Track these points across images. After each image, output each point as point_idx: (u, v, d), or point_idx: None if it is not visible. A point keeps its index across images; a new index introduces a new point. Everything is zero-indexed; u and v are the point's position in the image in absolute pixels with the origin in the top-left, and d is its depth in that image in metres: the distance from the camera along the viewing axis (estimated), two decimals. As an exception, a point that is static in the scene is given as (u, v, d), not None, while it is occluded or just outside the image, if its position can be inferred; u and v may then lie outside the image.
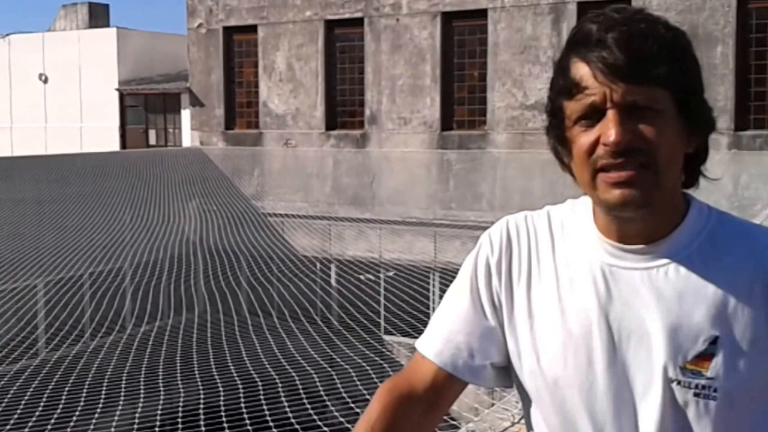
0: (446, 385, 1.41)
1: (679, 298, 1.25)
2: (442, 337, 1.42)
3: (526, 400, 1.39)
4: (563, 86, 1.26)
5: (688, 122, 1.24)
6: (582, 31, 1.25)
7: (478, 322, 1.40)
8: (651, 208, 1.23)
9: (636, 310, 1.26)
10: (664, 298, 1.25)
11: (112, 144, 24.49)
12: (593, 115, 1.22)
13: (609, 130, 1.20)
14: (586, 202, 1.36)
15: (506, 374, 1.42)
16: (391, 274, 14.80)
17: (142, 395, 10.07)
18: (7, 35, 26.95)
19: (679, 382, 1.23)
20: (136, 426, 9.66)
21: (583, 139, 1.24)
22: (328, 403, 9.67)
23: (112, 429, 9.13)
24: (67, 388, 10.04)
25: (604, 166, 1.21)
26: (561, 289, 1.33)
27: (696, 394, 1.23)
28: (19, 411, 9.42)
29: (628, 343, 1.26)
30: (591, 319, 1.28)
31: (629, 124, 1.20)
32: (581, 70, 1.23)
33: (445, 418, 1.52)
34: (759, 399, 1.24)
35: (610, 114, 1.20)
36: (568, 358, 1.29)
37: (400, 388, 1.42)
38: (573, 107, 1.24)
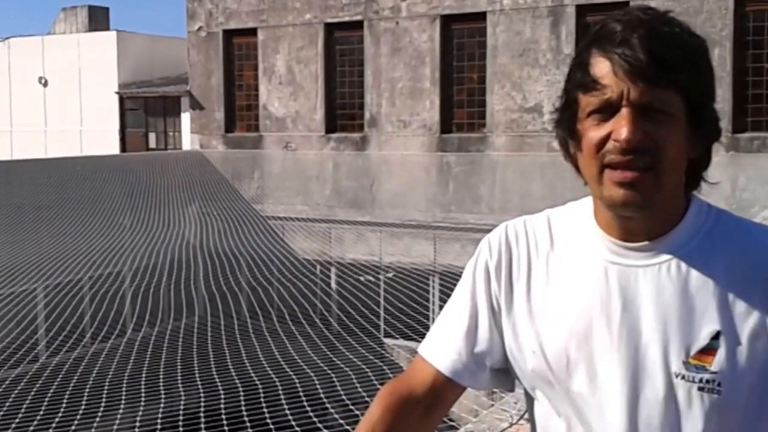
0: (446, 388, 1.44)
1: (681, 294, 1.27)
2: (442, 341, 1.45)
3: (528, 399, 1.42)
4: (581, 79, 1.27)
5: (696, 129, 1.26)
6: (607, 28, 1.26)
7: (477, 326, 1.42)
8: (651, 209, 1.26)
9: (638, 307, 1.28)
10: (665, 294, 1.27)
11: (112, 147, 24.51)
12: (607, 110, 1.24)
13: (622, 127, 1.22)
14: (586, 203, 1.38)
15: (506, 377, 1.44)
16: (390, 275, 14.81)
17: (142, 399, 10.07)
18: (7, 38, 26.96)
19: (683, 377, 1.25)
20: (137, 430, 9.65)
21: (593, 132, 1.25)
22: (328, 405, 9.67)
23: (113, 433, 9.13)
24: (67, 393, 10.02)
25: (611, 162, 1.23)
26: (562, 287, 1.35)
27: (700, 389, 1.24)
28: (20, 416, 9.42)
29: (630, 338, 1.28)
30: (593, 316, 1.30)
31: (641, 124, 1.22)
32: (601, 65, 1.24)
33: (444, 419, 1.53)
34: (762, 392, 1.25)
35: (624, 112, 1.22)
36: (570, 355, 1.31)
37: (400, 391, 1.45)
38: (588, 100, 1.26)
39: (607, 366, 1.29)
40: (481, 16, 16.63)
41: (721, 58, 14.31)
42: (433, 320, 1.54)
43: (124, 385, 10.60)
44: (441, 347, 1.44)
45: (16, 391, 10.20)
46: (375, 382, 10.02)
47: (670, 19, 1.26)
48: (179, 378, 10.71)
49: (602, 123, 1.24)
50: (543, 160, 15.28)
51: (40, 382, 10.48)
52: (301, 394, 10.05)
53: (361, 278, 14.95)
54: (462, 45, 17.07)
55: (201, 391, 10.37)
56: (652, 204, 1.25)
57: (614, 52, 1.22)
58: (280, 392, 9.95)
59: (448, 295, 1.51)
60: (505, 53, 16.39)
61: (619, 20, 1.25)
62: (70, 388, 10.20)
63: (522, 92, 16.22)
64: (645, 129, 1.22)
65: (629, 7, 1.27)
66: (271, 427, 8.61)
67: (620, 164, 1.23)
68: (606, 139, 1.24)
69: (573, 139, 1.30)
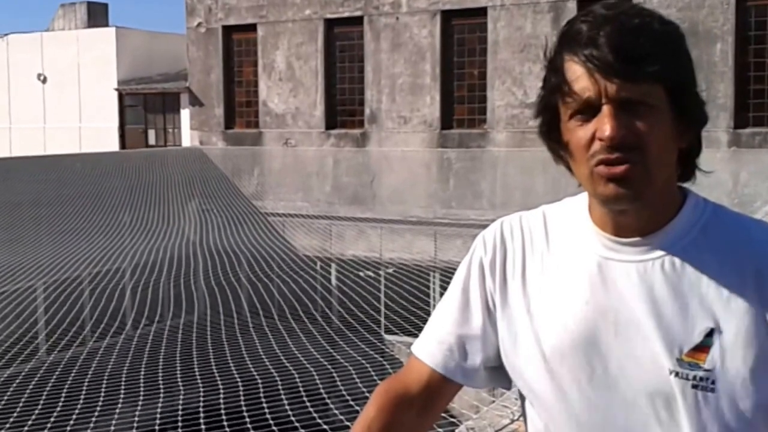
0: (440, 386, 1.44)
1: (675, 290, 1.26)
2: (435, 339, 1.44)
3: (522, 396, 1.41)
4: (556, 84, 1.26)
5: (681, 117, 1.24)
6: (573, 29, 1.25)
7: (471, 323, 1.42)
8: (643, 201, 1.24)
9: (632, 303, 1.27)
10: (658, 290, 1.26)
11: (111, 144, 24.48)
12: (588, 110, 1.23)
13: (604, 125, 1.20)
14: (581, 199, 1.37)
15: (501, 375, 1.43)
16: (390, 270, 14.81)
17: (141, 396, 10.07)
18: (6, 35, 26.93)
19: (677, 374, 1.24)
20: (135, 427, 9.65)
21: (579, 134, 1.24)
22: (328, 402, 9.68)
23: (112, 430, 9.12)
24: (66, 390, 10.04)
25: (600, 160, 1.22)
26: (557, 283, 1.34)
27: (694, 386, 1.23)
28: (17, 412, 9.43)
29: (625, 335, 1.27)
30: (587, 313, 1.29)
31: (624, 119, 1.20)
32: (574, 68, 1.23)
33: (444, 415, 1.51)
34: (756, 389, 1.24)
35: (605, 109, 1.21)
36: (565, 351, 1.30)
37: (396, 389, 1.46)
38: (568, 104, 1.25)
39: (601, 362, 1.28)
40: (482, 12, 16.62)
41: (723, 53, 14.28)
42: (434, 316, 1.51)
43: (123, 381, 10.60)
44: (435, 345, 1.44)
45: (13, 387, 10.20)
46: (375, 378, 10.01)
47: (638, 10, 1.24)
48: (179, 375, 10.70)
49: (585, 123, 1.23)
50: (544, 155, 14.91)
51: (39, 378, 10.49)
52: (302, 390, 10.06)
53: (361, 273, 14.94)
54: (462, 40, 17.05)
55: (201, 387, 10.37)
56: (643, 196, 1.23)
57: (583, 53, 1.21)
58: (281, 389, 9.95)
59: (449, 291, 1.49)
60: (505, 49, 16.37)
61: (584, 20, 1.24)
62: (69, 385, 10.21)
63: (523, 88, 16.20)
64: (628, 123, 1.20)
65: (593, 6, 1.26)
66: (271, 423, 8.62)
67: (608, 161, 1.21)
68: (593, 138, 1.23)
69: (560, 144, 1.30)
